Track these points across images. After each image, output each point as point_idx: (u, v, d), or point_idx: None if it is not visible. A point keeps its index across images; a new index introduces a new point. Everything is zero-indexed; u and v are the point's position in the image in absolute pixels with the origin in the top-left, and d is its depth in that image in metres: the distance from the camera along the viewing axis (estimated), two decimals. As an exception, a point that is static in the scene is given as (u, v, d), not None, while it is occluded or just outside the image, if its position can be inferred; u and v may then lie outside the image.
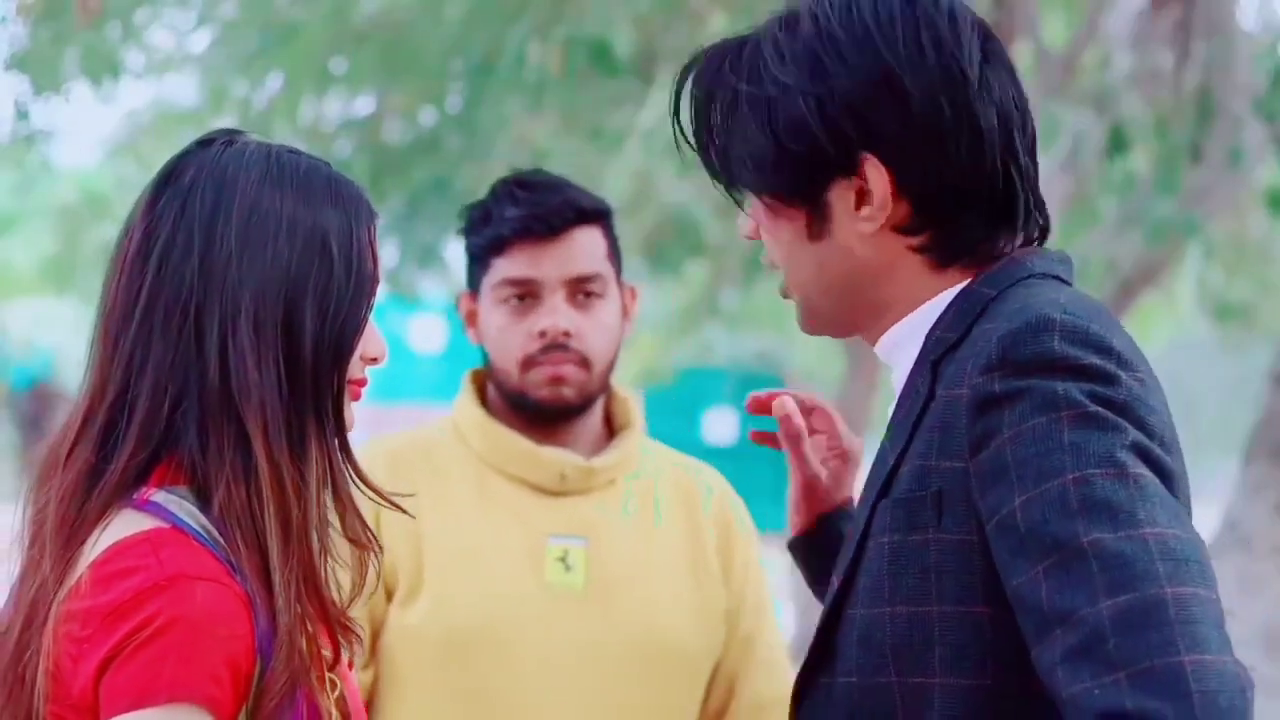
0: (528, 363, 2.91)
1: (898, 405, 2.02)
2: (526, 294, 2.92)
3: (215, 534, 1.89)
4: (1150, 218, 7.94)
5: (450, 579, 2.87)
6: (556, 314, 2.90)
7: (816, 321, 2.11)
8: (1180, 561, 1.76)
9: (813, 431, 2.41)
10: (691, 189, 10.58)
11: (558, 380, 2.91)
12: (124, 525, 1.89)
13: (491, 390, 3.00)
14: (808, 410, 2.41)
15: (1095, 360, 1.86)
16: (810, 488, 2.37)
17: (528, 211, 2.90)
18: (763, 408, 2.39)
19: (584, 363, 2.91)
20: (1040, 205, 2.04)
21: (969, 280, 2.01)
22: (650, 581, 2.92)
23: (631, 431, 2.99)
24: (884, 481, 1.97)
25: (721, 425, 21.53)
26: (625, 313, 2.99)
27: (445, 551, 2.89)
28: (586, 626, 2.88)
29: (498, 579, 2.88)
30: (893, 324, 2.04)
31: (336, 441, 1.97)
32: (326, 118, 8.85)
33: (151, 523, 1.88)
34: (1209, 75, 7.45)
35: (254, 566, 1.89)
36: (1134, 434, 1.82)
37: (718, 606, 2.95)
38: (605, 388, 2.98)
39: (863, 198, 2.00)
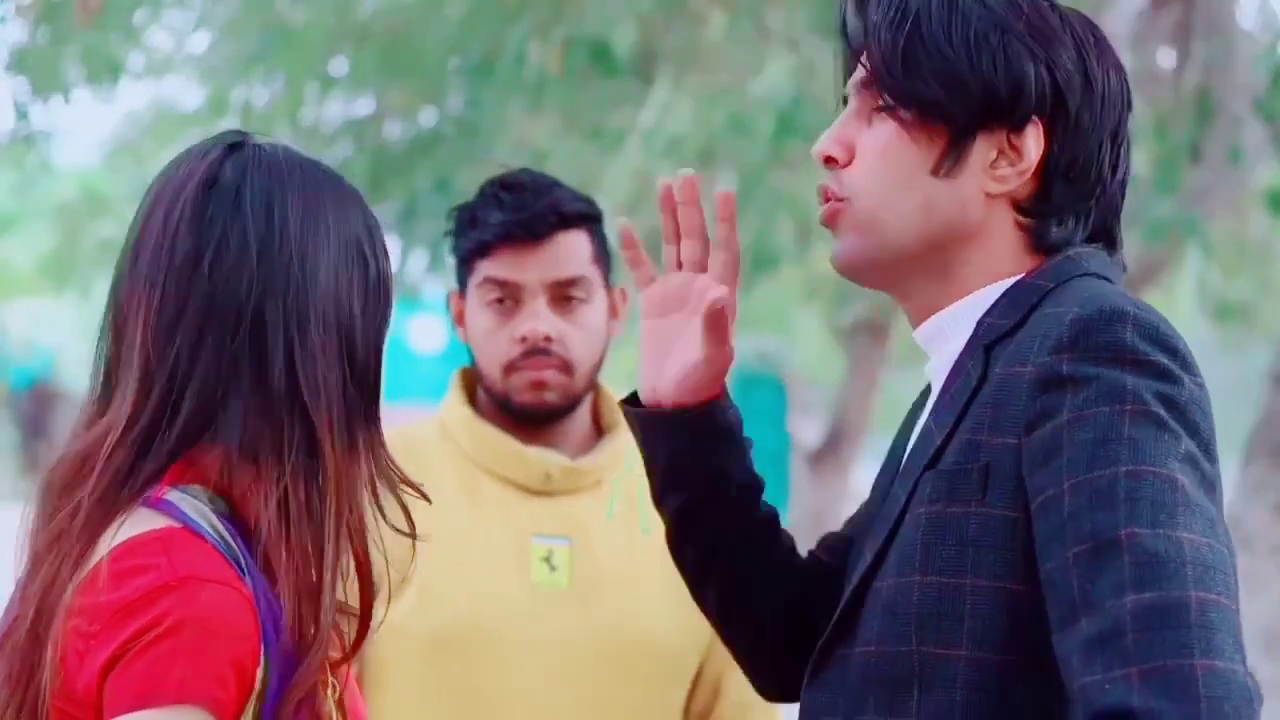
0: (509, 367, 2.92)
1: (944, 386, 2.01)
2: (508, 297, 2.93)
3: (225, 534, 1.90)
4: (1150, 217, 7.94)
5: (436, 577, 2.88)
6: (538, 318, 2.91)
7: (871, 259, 2.05)
8: (1209, 569, 1.78)
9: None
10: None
11: (539, 385, 2.92)
12: (137, 523, 1.89)
13: (479, 390, 3.01)
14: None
15: (1163, 359, 1.87)
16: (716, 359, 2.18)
17: (511, 216, 2.91)
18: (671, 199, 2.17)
19: (566, 367, 2.92)
20: (1119, 240, 2.07)
21: (1023, 274, 2.02)
22: (635, 581, 2.94)
23: (619, 431, 3.00)
24: (930, 456, 1.96)
25: (721, 425, 21.49)
26: (614, 314, 3.00)
27: (432, 549, 2.90)
28: (571, 626, 2.89)
29: (483, 578, 2.89)
30: (944, 304, 2.04)
31: (378, 437, 1.98)
32: (327, 118, 8.85)
33: (164, 521, 1.89)
34: (1209, 75, 7.45)
35: (299, 566, 1.89)
36: (1188, 442, 1.84)
37: None
38: (590, 389, 2.99)
39: (1004, 156, 2.00)
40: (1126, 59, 8.01)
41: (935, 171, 2.01)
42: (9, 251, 19.43)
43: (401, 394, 15.85)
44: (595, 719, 2.90)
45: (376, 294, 1.98)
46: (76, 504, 1.92)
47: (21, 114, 6.60)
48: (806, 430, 16.03)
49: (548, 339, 2.91)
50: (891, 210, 2.02)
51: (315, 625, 1.89)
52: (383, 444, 1.99)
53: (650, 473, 2.18)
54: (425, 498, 2.05)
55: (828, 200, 2.07)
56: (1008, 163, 2.01)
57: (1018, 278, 2.02)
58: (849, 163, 2.05)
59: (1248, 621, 5.69)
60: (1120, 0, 8.19)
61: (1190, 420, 1.85)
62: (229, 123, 8.06)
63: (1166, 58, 7.89)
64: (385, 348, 1.99)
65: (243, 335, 1.91)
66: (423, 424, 3.04)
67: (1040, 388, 1.88)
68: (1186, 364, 1.89)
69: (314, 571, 1.90)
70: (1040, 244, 2.02)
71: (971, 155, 2.01)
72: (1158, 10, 7.82)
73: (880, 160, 2.03)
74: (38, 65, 6.37)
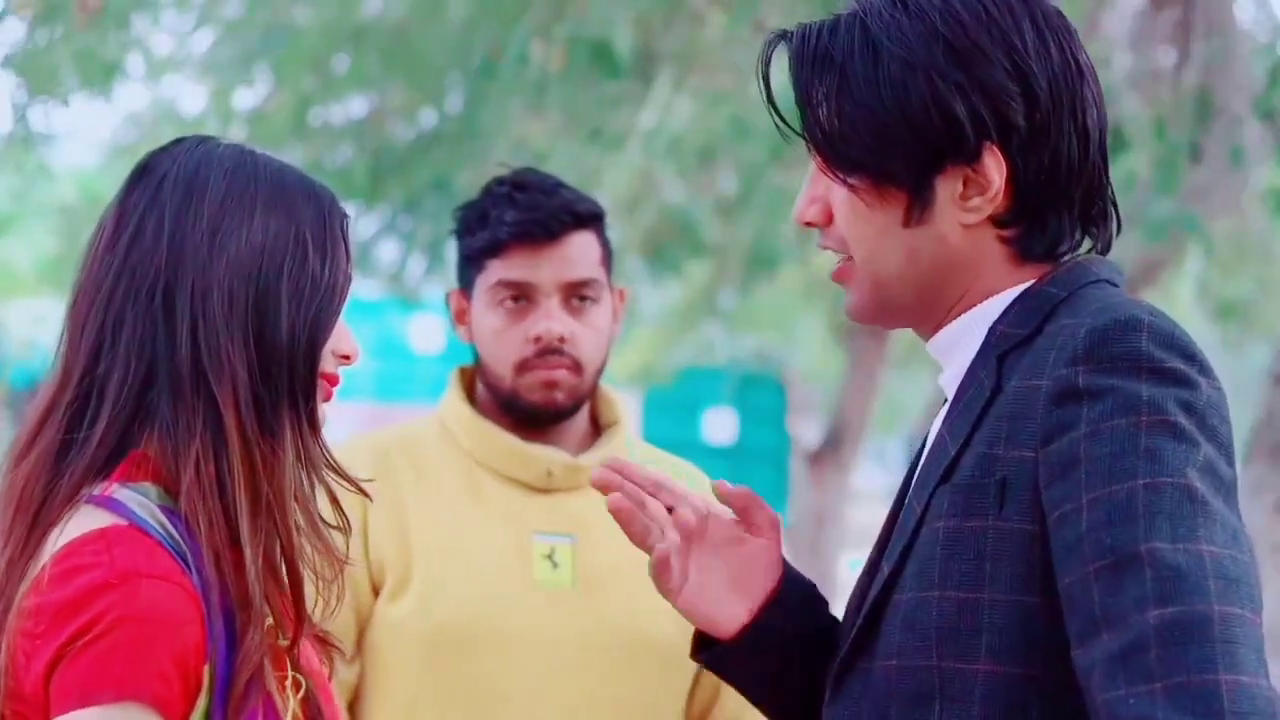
0: (522, 366, 2.92)
1: (956, 396, 2.00)
2: (522, 296, 2.93)
3: (172, 531, 1.91)
4: (1150, 217, 7.93)
5: (438, 575, 2.88)
6: (552, 319, 2.91)
7: (879, 310, 2.07)
8: (1231, 581, 1.78)
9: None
10: (691, 189, 10.58)
11: (551, 385, 2.92)
12: (83, 521, 1.90)
13: (480, 388, 3.01)
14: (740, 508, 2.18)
15: (1180, 365, 1.87)
16: (753, 563, 2.14)
17: (526, 215, 2.91)
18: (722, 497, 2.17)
19: (577, 367, 2.93)
20: (1116, 207, 2.04)
21: (1033, 280, 2.01)
22: (637, 579, 2.92)
23: (618, 428, 3.01)
24: (945, 469, 1.95)
25: (721, 425, 21.53)
26: (615, 315, 3.00)
27: (433, 547, 2.90)
28: (574, 623, 2.89)
29: (485, 576, 2.89)
30: (952, 319, 2.03)
31: (309, 426, 1.98)
32: (327, 119, 8.85)
33: (109, 519, 1.90)
34: (1209, 75, 7.44)
35: (222, 543, 1.90)
36: (1207, 448, 1.83)
37: None
38: (595, 390, 2.99)
39: (970, 186, 1.98)
40: (1126, 59, 8.01)
41: (906, 224, 2.00)
42: (9, 252, 19.43)
43: (401, 394, 15.84)
44: (597, 716, 2.90)
45: (315, 287, 1.98)
46: (14, 491, 1.94)
47: (20, 116, 6.59)
48: (806, 430, 16.03)
49: (561, 339, 2.91)
50: (881, 264, 2.02)
51: (244, 600, 1.90)
52: (315, 433, 1.99)
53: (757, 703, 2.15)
54: (365, 494, 2.06)
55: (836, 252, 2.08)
56: (976, 192, 1.99)
57: (1027, 284, 2.01)
58: (829, 222, 2.06)
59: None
60: (1119, 0, 8.18)
61: (1209, 425, 1.85)
62: (229, 124, 8.05)
63: (1166, 57, 7.88)
64: (326, 333, 1.99)
65: (156, 311, 1.94)
66: (422, 422, 3.04)
67: (1056, 401, 1.88)
68: (1204, 368, 1.88)
69: (232, 547, 1.91)
70: (1028, 254, 2.01)
71: (937, 197, 1.99)
72: (1157, 10, 7.82)
73: (851, 222, 2.03)
74: (36, 67, 6.37)
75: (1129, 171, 8.29)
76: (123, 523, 1.90)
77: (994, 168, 1.98)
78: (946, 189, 1.99)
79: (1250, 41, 7.80)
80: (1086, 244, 2.08)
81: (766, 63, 2.06)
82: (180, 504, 1.92)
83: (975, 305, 2.02)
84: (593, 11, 6.99)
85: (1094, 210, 2.03)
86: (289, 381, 1.96)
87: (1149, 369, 1.85)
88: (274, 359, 1.95)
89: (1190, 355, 1.88)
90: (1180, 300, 12.07)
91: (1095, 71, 2.02)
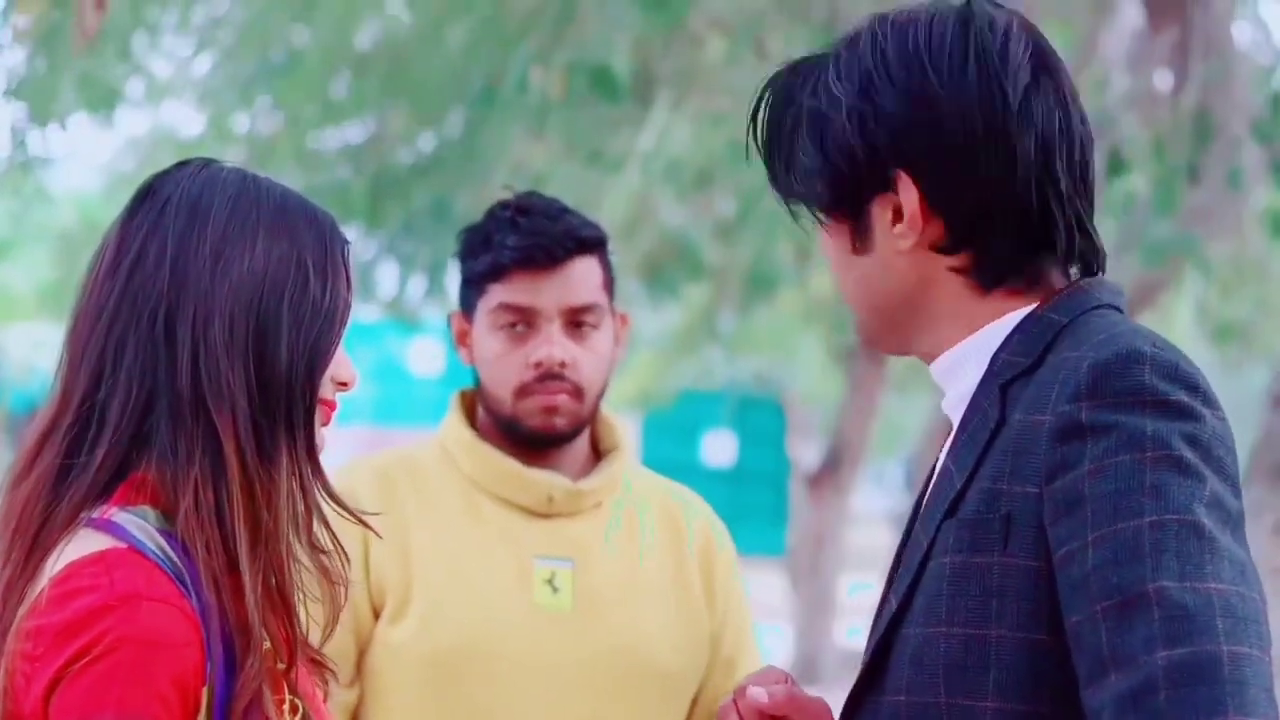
0: (522, 390, 2.92)
1: (961, 426, 2.00)
2: (523, 321, 2.93)
3: (171, 554, 1.91)
4: (1149, 239, 7.95)
5: (438, 598, 2.89)
6: (553, 344, 2.91)
7: (867, 335, 2.13)
8: (1240, 620, 1.78)
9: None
10: (690, 212, 10.59)
11: (551, 410, 2.92)
12: (82, 544, 1.90)
13: (481, 412, 3.01)
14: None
15: (1184, 397, 1.86)
16: None
17: (530, 240, 2.91)
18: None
19: (577, 392, 2.93)
20: (1086, 230, 2.03)
21: (1034, 306, 2.01)
22: (636, 603, 2.94)
23: (618, 454, 3.01)
24: (950, 503, 1.96)
25: (720, 447, 21.55)
26: (616, 340, 3.00)
27: (433, 570, 2.91)
28: (574, 647, 2.89)
29: (485, 599, 2.89)
30: (947, 344, 2.04)
31: (306, 454, 1.98)
32: (327, 142, 8.86)
33: (108, 542, 1.90)
34: (1207, 96, 7.46)
35: (220, 569, 1.90)
36: (1213, 482, 1.84)
37: (701, 629, 2.97)
38: (595, 415, 2.99)
39: (897, 214, 2.01)
40: (1124, 81, 8.03)
41: (854, 251, 2.06)
42: (8, 276, 19.46)
43: (400, 417, 15.85)
44: (596, 740, 2.90)
45: (316, 311, 1.98)
46: (13, 514, 1.94)
47: (19, 141, 6.60)
48: (805, 452, 16.04)
49: (563, 364, 2.91)
50: (848, 291, 2.10)
51: (243, 626, 1.90)
52: (313, 460, 1.99)
53: None
54: (365, 524, 2.06)
55: None
56: (900, 219, 2.02)
57: (1029, 309, 2.01)
58: None
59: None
60: (1118, 22, 8.20)
61: (1215, 457, 1.85)
62: (229, 148, 8.06)
63: (1164, 79, 7.90)
64: (326, 360, 1.99)
65: (157, 337, 1.94)
66: (422, 445, 3.04)
67: (1060, 437, 1.87)
68: (1208, 399, 1.87)
69: (230, 573, 1.91)
70: (985, 282, 2.02)
71: (873, 226, 2.03)
72: (1155, 32, 7.83)
73: (827, 253, 2.11)
74: (35, 93, 6.38)
75: (1128, 193, 8.31)
76: (122, 546, 1.89)
77: (907, 194, 2.01)
78: (881, 217, 2.03)
79: (1248, 63, 7.82)
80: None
81: (754, 118, 2.11)
82: (178, 528, 1.92)
83: (963, 333, 2.03)
84: (592, 35, 7.00)
85: (1049, 232, 2.02)
86: (287, 409, 1.96)
87: (1153, 403, 1.85)
88: (273, 386, 1.95)
89: (1194, 386, 1.87)
90: (1179, 321, 12.08)
91: (1064, 93, 2.02)
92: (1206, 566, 1.79)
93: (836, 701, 2.08)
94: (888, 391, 13.99)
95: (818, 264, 10.23)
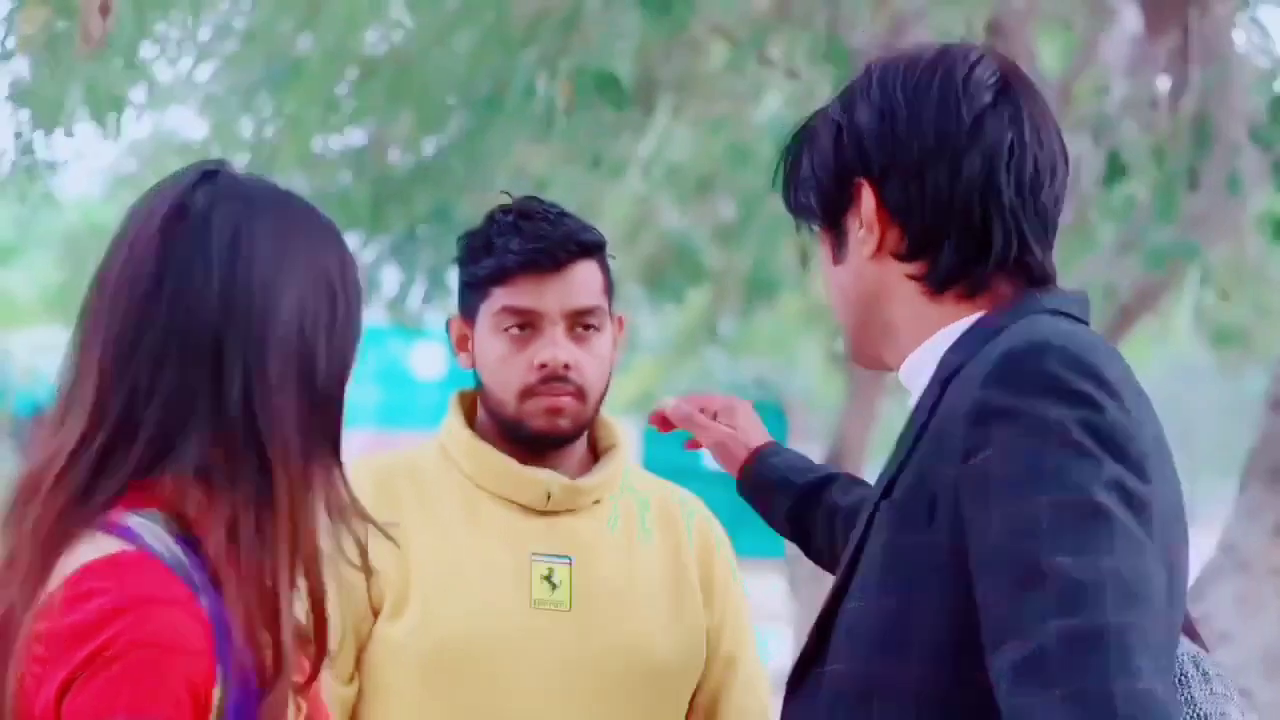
0: (526, 392, 2.95)
1: (909, 420, 2.15)
2: (526, 324, 2.96)
3: (182, 558, 1.92)
4: (1148, 244, 7.96)
5: (437, 595, 2.91)
6: (557, 346, 2.94)
7: (849, 349, 2.29)
8: (1129, 594, 1.90)
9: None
10: (691, 216, 10.61)
11: (555, 411, 2.95)
12: (92, 548, 1.91)
13: (481, 413, 3.03)
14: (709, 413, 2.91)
15: (1086, 386, 1.98)
16: (723, 448, 2.87)
17: (532, 244, 2.94)
18: (667, 422, 2.91)
19: (580, 394, 2.96)
20: (1031, 243, 2.18)
21: (984, 312, 2.15)
22: (635, 601, 2.97)
23: (616, 452, 3.05)
24: (886, 484, 2.11)
25: (722, 452, 21.47)
26: (615, 342, 3.04)
27: (432, 567, 2.93)
28: (572, 644, 2.91)
29: (484, 596, 2.91)
30: (907, 351, 2.20)
31: (337, 470, 2.00)
32: (330, 147, 8.87)
33: (119, 546, 1.91)
34: (1206, 102, 7.47)
35: (251, 592, 1.91)
36: (1111, 466, 1.95)
37: (700, 626, 3.00)
38: (596, 416, 3.02)
39: (863, 225, 2.19)
40: (1123, 86, 8.04)
41: (835, 262, 2.24)
42: (12, 282, 19.46)
43: (402, 421, 15.84)
44: (594, 737, 2.92)
45: (344, 329, 2.00)
46: (30, 524, 1.94)
47: (24, 146, 6.61)
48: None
49: (566, 367, 2.94)
50: (832, 303, 2.27)
51: (277, 651, 1.91)
52: (341, 476, 2.01)
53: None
54: (387, 535, 2.07)
55: None
56: (862, 226, 2.20)
57: (979, 315, 2.15)
58: None
59: (1246, 644, 5.68)
60: (1117, 27, 8.22)
61: (1115, 444, 1.96)
62: (233, 153, 8.07)
63: (1163, 84, 7.91)
64: (348, 381, 2.01)
65: (202, 363, 1.94)
66: (423, 447, 3.07)
67: (973, 420, 2.00)
68: (1112, 390, 1.99)
69: (268, 597, 1.92)
70: (935, 286, 2.17)
71: (849, 236, 2.21)
72: (1154, 37, 7.84)
73: (822, 266, 2.28)
74: (40, 99, 6.39)
75: (1127, 198, 8.32)
76: (133, 549, 1.91)
77: (866, 201, 2.18)
78: (853, 227, 2.21)
79: (1248, 68, 7.83)
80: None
81: (785, 157, 2.32)
82: (210, 550, 1.92)
83: (919, 338, 2.18)
84: (596, 42, 7.01)
85: (989, 243, 2.15)
86: (324, 428, 1.98)
87: (1054, 389, 1.97)
88: (316, 410, 1.98)
89: (1097, 377, 1.99)
90: (1178, 326, 12.09)
91: (1026, 114, 2.16)
92: (1101, 543, 1.91)
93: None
94: (888, 396, 13.99)
95: (818, 268, 10.23)
